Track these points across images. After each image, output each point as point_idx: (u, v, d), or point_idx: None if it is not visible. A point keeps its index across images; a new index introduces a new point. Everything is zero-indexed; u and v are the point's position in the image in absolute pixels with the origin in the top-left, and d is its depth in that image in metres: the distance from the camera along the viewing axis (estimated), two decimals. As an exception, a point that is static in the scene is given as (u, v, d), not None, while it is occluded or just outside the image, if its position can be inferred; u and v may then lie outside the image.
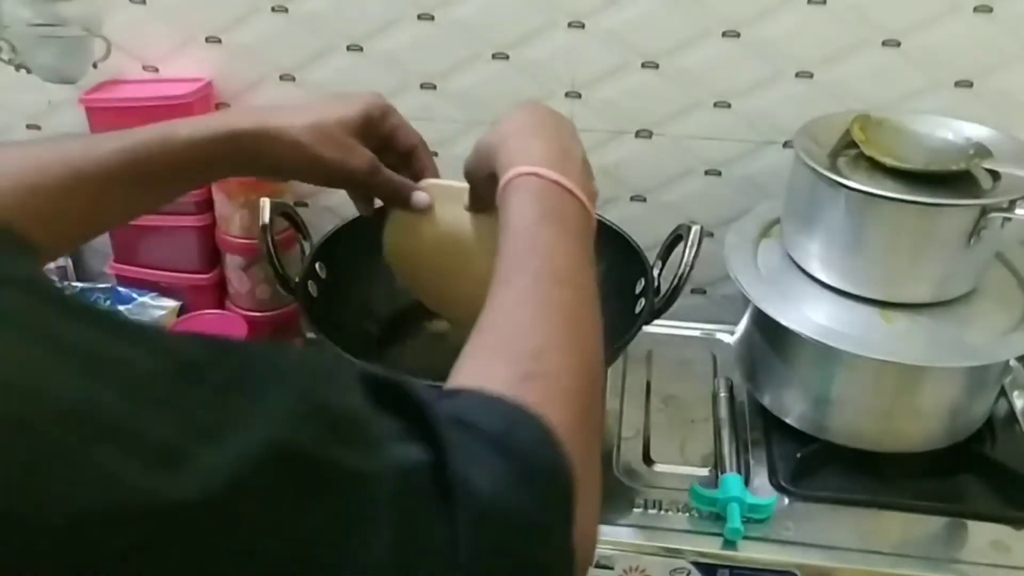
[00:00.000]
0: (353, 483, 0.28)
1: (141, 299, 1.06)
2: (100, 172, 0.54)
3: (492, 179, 0.52)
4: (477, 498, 0.31)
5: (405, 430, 0.31)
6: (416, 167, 0.66)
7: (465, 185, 0.63)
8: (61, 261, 1.11)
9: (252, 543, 0.25)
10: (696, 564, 0.77)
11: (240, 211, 1.00)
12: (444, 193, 0.66)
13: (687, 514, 0.79)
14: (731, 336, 1.02)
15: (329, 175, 0.61)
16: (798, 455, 0.85)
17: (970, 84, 0.93)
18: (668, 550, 0.77)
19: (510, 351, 0.40)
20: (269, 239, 0.83)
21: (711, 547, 0.77)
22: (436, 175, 0.68)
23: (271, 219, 0.83)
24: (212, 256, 1.07)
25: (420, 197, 0.65)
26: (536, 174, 0.49)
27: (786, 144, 0.99)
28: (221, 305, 1.09)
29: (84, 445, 0.23)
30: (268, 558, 0.26)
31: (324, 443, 0.28)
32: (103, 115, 1.01)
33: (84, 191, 0.54)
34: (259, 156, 0.59)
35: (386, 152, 0.64)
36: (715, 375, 0.98)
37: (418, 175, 0.67)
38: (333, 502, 0.27)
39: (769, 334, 0.87)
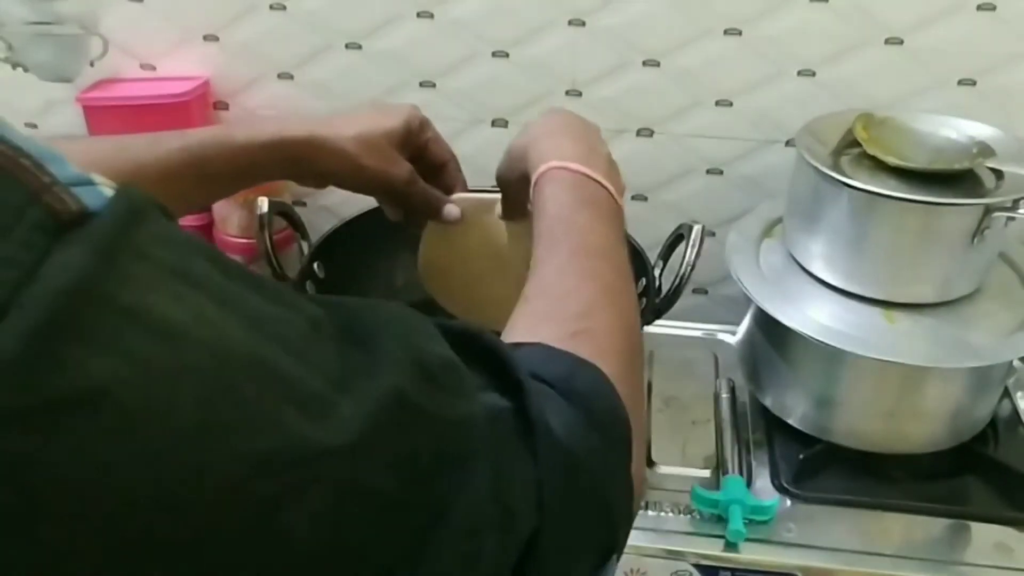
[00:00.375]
0: (456, 426, 0.31)
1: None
2: (161, 169, 0.57)
3: (524, 180, 0.55)
4: (554, 439, 0.34)
5: (486, 378, 0.34)
6: (448, 181, 0.69)
7: (496, 196, 0.65)
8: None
9: (379, 482, 0.28)
10: (697, 566, 0.76)
11: (238, 211, 1.00)
12: (476, 205, 0.68)
13: (688, 516, 0.79)
14: (733, 336, 1.01)
15: (370, 184, 0.64)
16: (800, 456, 0.84)
17: (973, 82, 0.93)
18: (669, 552, 0.76)
19: (556, 314, 0.43)
20: (267, 238, 0.82)
21: (713, 549, 0.76)
22: (467, 190, 0.69)
23: (269, 218, 0.83)
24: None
25: (451, 210, 0.67)
26: (567, 168, 0.52)
27: (788, 143, 0.98)
28: (219, 305, 1.08)
29: (260, 394, 0.25)
30: (391, 494, 0.28)
31: (429, 390, 0.30)
32: (100, 114, 1.01)
33: (146, 186, 0.57)
34: (308, 162, 0.62)
35: (417, 163, 0.66)
36: (717, 376, 0.98)
37: (449, 189, 0.69)
38: (441, 443, 0.30)
39: (771, 334, 0.86)
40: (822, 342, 0.77)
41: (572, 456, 0.34)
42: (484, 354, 0.35)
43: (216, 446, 0.24)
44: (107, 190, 0.25)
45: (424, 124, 0.66)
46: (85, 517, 0.23)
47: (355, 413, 0.27)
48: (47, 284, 0.22)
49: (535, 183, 0.53)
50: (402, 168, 0.64)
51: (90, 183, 0.25)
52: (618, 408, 0.38)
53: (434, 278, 0.73)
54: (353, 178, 0.63)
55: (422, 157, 0.67)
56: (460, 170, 0.69)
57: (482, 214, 0.68)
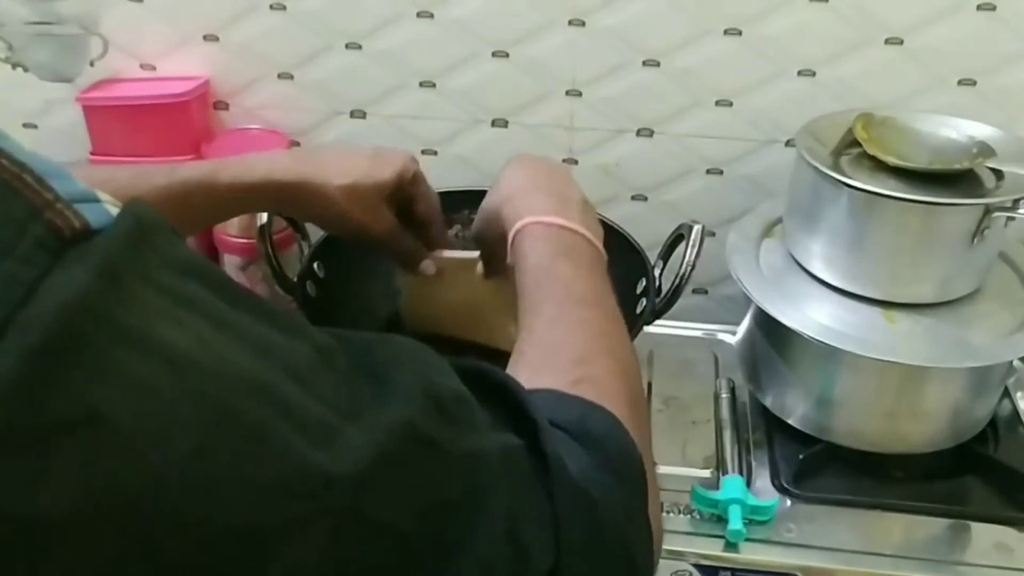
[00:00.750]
0: (468, 460, 0.30)
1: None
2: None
3: (501, 239, 0.55)
4: (570, 479, 0.33)
5: (499, 416, 0.34)
6: (431, 239, 0.70)
7: (475, 254, 0.67)
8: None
9: (388, 516, 0.27)
10: (697, 566, 0.76)
11: (238, 210, 1.00)
12: (456, 263, 0.70)
13: (688, 516, 0.79)
14: (733, 336, 1.01)
15: (352, 232, 0.65)
16: (800, 456, 0.84)
17: (973, 82, 0.93)
18: (669, 552, 0.76)
19: (554, 363, 0.43)
20: (267, 239, 0.82)
21: (713, 549, 0.76)
22: (448, 248, 0.71)
23: (269, 219, 0.83)
24: (210, 256, 1.06)
25: (427, 266, 0.70)
26: (541, 222, 0.52)
27: (788, 143, 0.98)
28: (219, 305, 1.08)
29: (266, 420, 0.25)
30: (401, 529, 0.28)
31: (440, 422, 0.30)
32: (100, 114, 1.01)
33: None
34: (293, 205, 0.64)
35: (404, 214, 0.68)
36: (717, 376, 0.98)
37: (431, 246, 0.70)
38: (452, 477, 0.29)
39: (771, 334, 0.86)
40: (822, 342, 0.77)
41: (589, 497, 0.34)
42: (497, 392, 0.35)
43: (217, 472, 0.24)
44: (112, 208, 0.25)
45: (416, 178, 0.67)
46: (80, 541, 0.22)
47: (364, 443, 0.27)
48: (46, 303, 0.21)
49: (512, 241, 0.53)
50: (385, 222, 0.65)
51: (95, 200, 0.24)
52: (631, 451, 0.38)
53: (416, 325, 0.75)
54: (336, 225, 0.65)
55: (409, 210, 0.68)
56: (445, 231, 0.71)
57: (463, 272, 0.69)
